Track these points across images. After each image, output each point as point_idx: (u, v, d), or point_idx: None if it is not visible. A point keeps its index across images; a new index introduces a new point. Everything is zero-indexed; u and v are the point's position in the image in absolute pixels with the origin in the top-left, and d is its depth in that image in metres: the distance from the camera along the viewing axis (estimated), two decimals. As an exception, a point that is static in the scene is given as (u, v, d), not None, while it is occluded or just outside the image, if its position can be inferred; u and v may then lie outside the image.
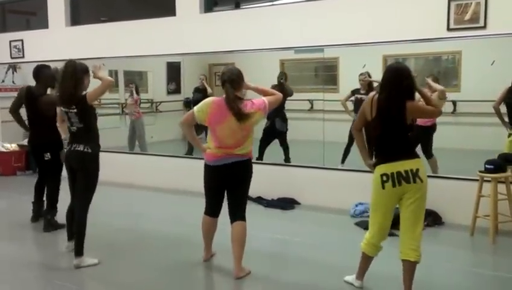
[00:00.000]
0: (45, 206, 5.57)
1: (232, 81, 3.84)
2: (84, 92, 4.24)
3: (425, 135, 6.28)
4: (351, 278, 3.84)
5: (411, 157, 3.44)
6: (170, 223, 5.76)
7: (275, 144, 7.49)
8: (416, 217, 3.43)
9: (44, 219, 5.51)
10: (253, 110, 3.85)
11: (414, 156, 3.46)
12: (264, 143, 7.44)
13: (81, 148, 4.27)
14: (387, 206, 3.48)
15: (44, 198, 5.64)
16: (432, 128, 6.34)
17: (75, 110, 4.20)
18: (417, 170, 3.39)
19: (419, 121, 6.31)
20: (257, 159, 7.31)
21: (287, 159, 7.41)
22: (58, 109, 4.80)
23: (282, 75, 7.44)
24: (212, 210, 4.17)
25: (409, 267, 3.44)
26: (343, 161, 7.06)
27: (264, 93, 4.07)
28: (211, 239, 4.33)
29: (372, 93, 3.57)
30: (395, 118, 3.39)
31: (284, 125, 7.52)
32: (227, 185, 4.06)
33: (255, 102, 3.91)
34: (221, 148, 3.92)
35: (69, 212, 4.58)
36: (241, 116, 3.77)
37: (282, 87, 6.90)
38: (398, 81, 3.39)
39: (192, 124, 3.98)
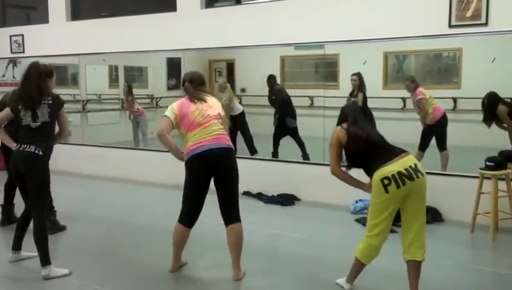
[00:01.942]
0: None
1: (192, 80, 4.07)
2: (60, 97, 4.17)
3: (439, 130, 6.45)
4: (341, 280, 3.75)
5: (403, 154, 3.38)
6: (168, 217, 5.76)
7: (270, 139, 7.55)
8: (422, 215, 3.37)
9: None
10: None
11: (404, 151, 3.42)
12: (276, 139, 7.62)
13: (31, 149, 3.93)
14: (390, 209, 3.35)
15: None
16: (442, 122, 6.48)
17: (45, 107, 3.99)
18: (415, 164, 3.34)
19: (430, 121, 6.45)
20: (272, 154, 7.51)
21: (305, 155, 7.37)
22: (4, 113, 4.16)
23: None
24: (189, 218, 3.93)
25: (416, 267, 3.38)
26: None
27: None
28: (181, 249, 4.10)
29: (336, 129, 3.67)
30: (367, 126, 3.56)
31: (293, 121, 7.60)
32: (216, 178, 3.86)
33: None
34: (202, 133, 3.84)
35: (22, 218, 4.28)
36: (199, 96, 3.97)
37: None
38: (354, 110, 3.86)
39: (169, 129, 3.90)
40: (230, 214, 3.89)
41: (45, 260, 4.00)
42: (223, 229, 3.95)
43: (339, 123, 3.69)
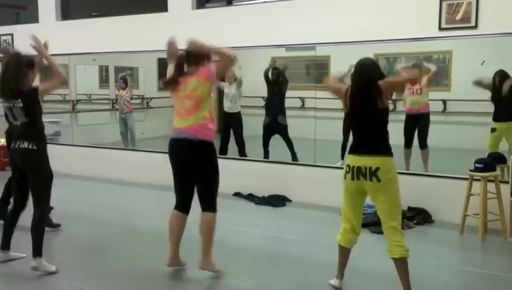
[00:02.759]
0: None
1: (189, 52, 3.91)
2: (34, 86, 4.08)
3: (426, 123, 6.45)
4: (333, 281, 3.78)
5: (375, 154, 3.40)
6: (159, 218, 5.74)
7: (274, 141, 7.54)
8: (387, 213, 3.43)
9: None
10: (194, 78, 3.83)
11: (379, 153, 3.41)
12: (266, 140, 7.56)
13: (25, 145, 4.00)
14: (348, 195, 3.58)
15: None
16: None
17: (20, 105, 3.97)
18: (377, 168, 3.36)
19: (418, 108, 6.48)
20: (264, 156, 7.47)
21: (294, 156, 7.35)
22: None
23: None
24: (178, 202, 4.01)
25: (398, 265, 3.43)
26: (342, 157, 7.10)
27: (218, 54, 4.05)
28: (177, 240, 4.03)
29: (344, 86, 3.62)
30: (366, 105, 3.42)
31: (284, 119, 7.59)
32: (189, 172, 3.89)
33: (201, 69, 3.86)
34: (177, 119, 3.88)
35: (12, 216, 4.26)
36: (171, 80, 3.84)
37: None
38: (365, 69, 3.47)
39: None
40: (201, 203, 3.94)
41: (38, 252, 4.03)
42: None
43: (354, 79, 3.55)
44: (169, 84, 3.88)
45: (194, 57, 3.84)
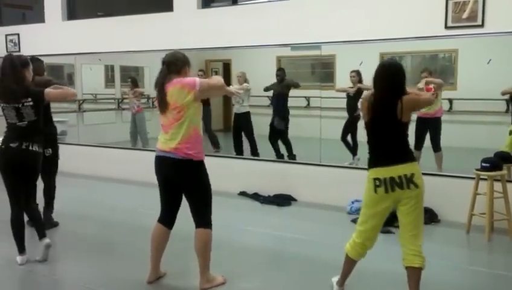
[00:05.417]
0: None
1: (170, 63, 3.63)
2: (40, 89, 4.17)
3: (439, 126, 6.44)
4: (335, 279, 3.70)
5: (405, 162, 3.27)
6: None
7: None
8: (415, 223, 3.30)
9: (45, 217, 5.19)
10: (174, 87, 3.56)
11: (408, 160, 3.30)
12: (272, 139, 7.67)
13: (35, 148, 4.10)
14: (377, 210, 3.34)
15: None
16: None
17: (30, 103, 4.04)
18: (412, 175, 3.24)
19: (433, 113, 6.43)
20: (276, 156, 7.54)
21: (290, 155, 7.42)
22: None
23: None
24: (162, 216, 3.82)
25: (414, 274, 3.33)
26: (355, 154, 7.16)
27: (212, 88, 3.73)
28: (159, 255, 3.86)
29: (367, 93, 3.46)
30: (388, 117, 3.26)
31: (281, 124, 7.63)
32: (177, 188, 3.72)
33: (183, 80, 3.59)
34: (162, 135, 3.68)
35: (16, 220, 4.20)
36: (159, 94, 3.58)
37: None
38: (388, 76, 3.28)
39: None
40: (194, 219, 3.74)
41: (44, 233, 4.36)
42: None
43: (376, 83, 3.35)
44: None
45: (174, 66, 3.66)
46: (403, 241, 3.34)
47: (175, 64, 3.64)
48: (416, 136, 6.51)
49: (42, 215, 4.93)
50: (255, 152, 7.84)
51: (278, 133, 7.66)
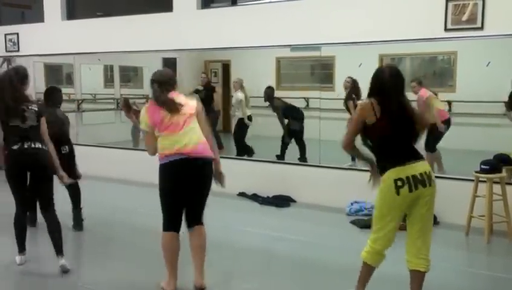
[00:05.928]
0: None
1: (161, 82, 3.68)
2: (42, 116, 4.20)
3: (434, 131, 6.36)
4: None
5: (421, 158, 3.21)
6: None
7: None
8: (429, 224, 3.24)
9: (77, 218, 5.36)
10: (185, 103, 3.69)
11: (422, 157, 3.26)
12: (286, 139, 7.70)
13: (38, 145, 4.09)
14: (397, 213, 3.18)
15: None
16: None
17: (35, 109, 4.12)
18: (430, 171, 3.17)
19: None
20: (278, 157, 7.53)
21: (302, 157, 7.40)
22: None
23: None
24: (174, 223, 3.71)
25: (418, 277, 3.28)
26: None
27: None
28: (176, 262, 3.77)
29: (367, 100, 3.31)
30: (408, 119, 3.19)
31: (296, 124, 7.71)
32: (188, 187, 3.69)
33: (189, 101, 3.75)
34: (174, 144, 3.63)
35: (19, 220, 4.18)
36: (170, 107, 3.62)
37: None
38: (399, 82, 3.25)
39: (154, 140, 3.72)
40: (194, 216, 3.74)
41: (62, 250, 4.11)
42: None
43: (372, 93, 3.30)
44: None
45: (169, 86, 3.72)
46: (412, 243, 3.26)
47: (169, 83, 3.72)
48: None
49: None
50: (239, 154, 7.88)
51: (293, 133, 7.64)
